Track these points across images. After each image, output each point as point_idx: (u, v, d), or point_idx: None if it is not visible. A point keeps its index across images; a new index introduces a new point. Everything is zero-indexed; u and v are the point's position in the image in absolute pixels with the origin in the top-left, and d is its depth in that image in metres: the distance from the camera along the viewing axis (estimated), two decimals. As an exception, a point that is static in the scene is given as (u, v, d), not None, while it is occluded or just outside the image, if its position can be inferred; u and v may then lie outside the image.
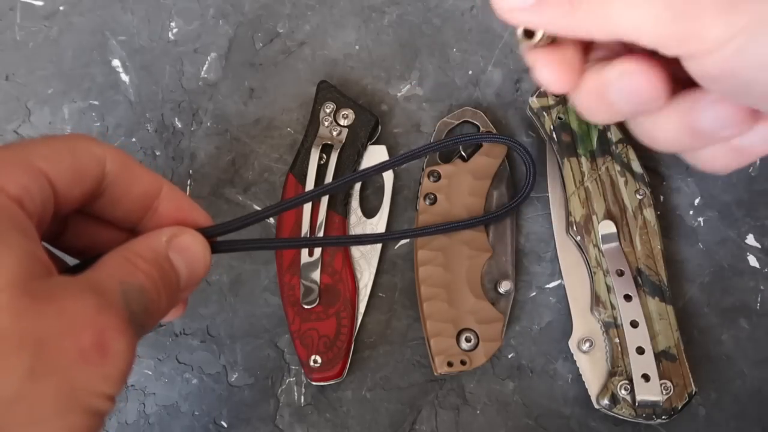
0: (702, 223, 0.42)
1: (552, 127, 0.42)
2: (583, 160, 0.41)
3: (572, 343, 0.40)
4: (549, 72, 0.23)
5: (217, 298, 0.42)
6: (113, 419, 0.41)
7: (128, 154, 0.26)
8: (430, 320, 0.40)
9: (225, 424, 0.40)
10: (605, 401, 0.38)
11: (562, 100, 0.42)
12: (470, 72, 0.45)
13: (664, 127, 0.23)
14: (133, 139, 0.45)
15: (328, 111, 0.42)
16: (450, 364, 0.39)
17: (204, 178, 0.44)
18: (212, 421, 0.40)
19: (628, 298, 0.39)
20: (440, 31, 0.46)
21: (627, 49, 0.23)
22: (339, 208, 0.42)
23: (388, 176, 0.43)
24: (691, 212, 0.43)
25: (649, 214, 0.40)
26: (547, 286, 0.42)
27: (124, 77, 0.46)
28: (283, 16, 0.47)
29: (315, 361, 0.39)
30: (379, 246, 0.42)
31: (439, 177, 0.42)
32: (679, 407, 0.37)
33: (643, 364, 0.38)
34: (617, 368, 0.38)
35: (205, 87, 0.45)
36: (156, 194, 0.27)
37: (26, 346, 0.19)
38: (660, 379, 0.37)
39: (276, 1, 0.47)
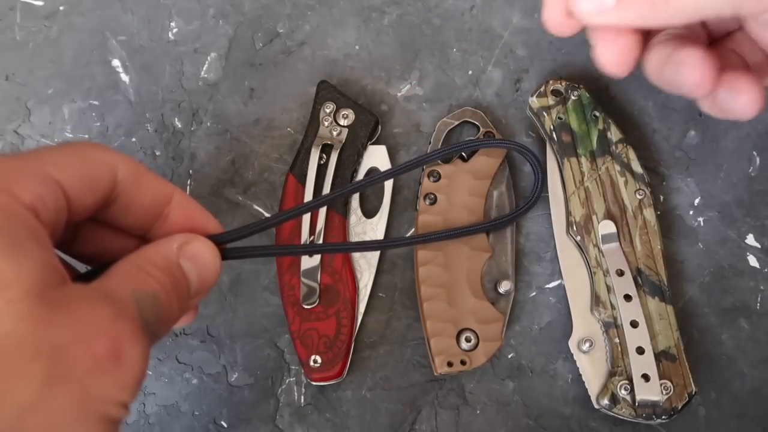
0: (702, 223, 0.42)
1: (552, 127, 0.42)
2: (583, 160, 0.41)
3: (572, 343, 0.40)
4: (611, 54, 0.25)
5: (217, 298, 0.42)
6: (113, 419, 0.41)
7: (139, 162, 0.26)
8: (430, 320, 0.40)
9: (225, 424, 0.40)
10: (605, 401, 0.38)
11: (562, 100, 0.42)
12: (470, 72, 0.45)
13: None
14: (133, 139, 0.45)
15: (328, 111, 0.42)
16: (450, 364, 0.39)
17: (204, 178, 0.44)
18: (212, 421, 0.40)
19: (628, 298, 0.39)
20: (440, 31, 0.46)
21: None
22: (339, 209, 0.42)
23: (388, 176, 0.43)
24: (691, 212, 0.43)
25: (649, 214, 0.40)
26: (547, 286, 0.42)
27: (124, 77, 0.46)
28: (283, 16, 0.47)
29: (315, 361, 0.39)
30: (379, 246, 0.42)
31: (439, 177, 0.42)
32: (679, 407, 0.37)
33: (643, 364, 0.38)
34: (617, 368, 0.38)
35: (205, 87, 0.45)
36: (167, 201, 0.27)
37: (43, 354, 0.19)
38: (660, 379, 0.37)
39: (276, 1, 0.47)
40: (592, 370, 0.39)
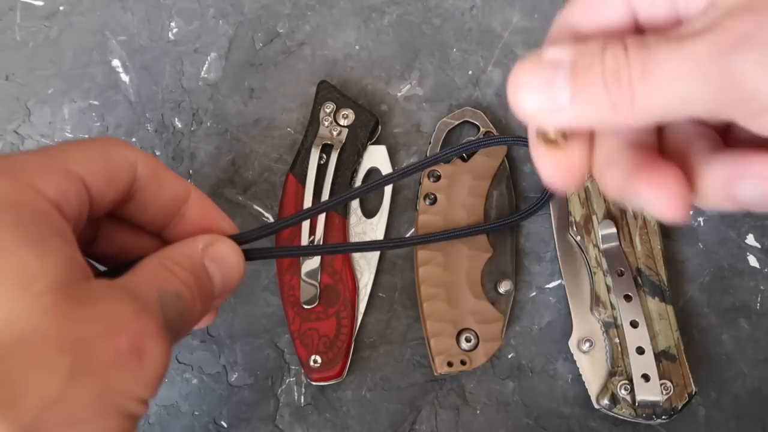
0: (702, 223, 0.42)
1: (552, 127, 0.42)
2: (583, 160, 0.41)
3: (572, 343, 0.40)
4: (556, 172, 0.21)
5: (217, 298, 0.42)
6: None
7: (158, 159, 0.26)
8: (430, 320, 0.40)
9: (225, 424, 0.40)
10: (605, 401, 0.38)
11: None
12: (470, 72, 0.45)
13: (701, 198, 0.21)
14: (133, 139, 0.45)
15: (328, 111, 0.42)
16: (450, 364, 0.39)
17: (204, 178, 0.44)
18: (212, 421, 0.40)
19: (628, 298, 0.39)
20: (440, 31, 0.46)
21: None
22: (339, 209, 0.42)
23: (388, 176, 0.43)
24: (691, 212, 0.43)
25: (649, 214, 0.40)
26: (547, 286, 0.42)
27: (124, 77, 0.46)
28: (283, 16, 0.47)
29: (315, 361, 0.39)
30: (379, 246, 0.42)
31: (439, 177, 0.42)
32: (679, 407, 0.37)
33: (643, 364, 0.38)
34: (617, 368, 0.38)
35: (205, 87, 0.45)
36: (184, 200, 0.27)
37: (67, 348, 0.19)
38: (660, 379, 0.37)
39: (276, 1, 0.47)
40: (592, 370, 0.39)
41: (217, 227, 0.28)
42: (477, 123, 0.43)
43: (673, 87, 0.18)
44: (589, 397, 0.39)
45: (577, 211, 0.41)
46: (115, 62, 0.46)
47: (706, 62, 0.17)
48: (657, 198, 0.20)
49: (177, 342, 0.23)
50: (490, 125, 0.43)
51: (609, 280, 0.39)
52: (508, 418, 0.40)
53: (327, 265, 0.41)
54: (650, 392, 0.37)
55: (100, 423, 0.19)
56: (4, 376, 0.18)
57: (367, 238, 0.42)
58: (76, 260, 0.21)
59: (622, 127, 0.21)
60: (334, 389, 0.41)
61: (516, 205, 0.42)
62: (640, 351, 0.38)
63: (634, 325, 0.38)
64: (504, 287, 0.40)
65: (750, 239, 0.42)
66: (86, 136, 0.45)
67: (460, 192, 0.42)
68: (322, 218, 0.41)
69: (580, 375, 0.39)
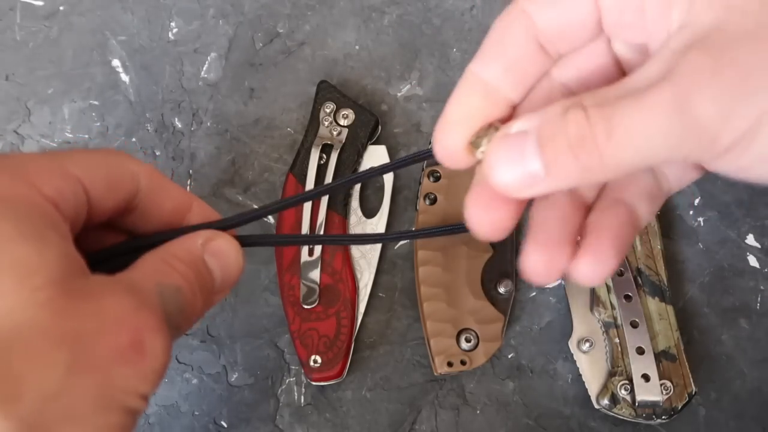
0: (702, 223, 0.42)
1: (552, 127, 0.42)
2: (583, 160, 0.41)
3: (572, 343, 0.40)
4: (488, 222, 0.23)
5: (217, 298, 0.42)
6: (113, 419, 0.41)
7: (160, 171, 0.26)
8: (430, 320, 0.40)
9: (225, 424, 0.40)
10: (605, 401, 0.38)
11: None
12: (470, 72, 0.45)
13: None
14: (133, 139, 0.45)
15: (328, 111, 0.42)
16: (450, 364, 0.39)
17: (204, 178, 0.44)
18: (212, 421, 0.40)
19: (628, 298, 0.39)
20: (440, 31, 0.46)
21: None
22: (339, 209, 0.42)
23: (388, 176, 0.43)
24: (691, 212, 0.43)
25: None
26: (547, 286, 0.42)
27: (124, 77, 0.46)
28: (283, 16, 0.47)
29: (315, 361, 0.39)
30: (379, 246, 0.42)
31: (439, 177, 0.42)
32: (679, 407, 0.37)
33: (643, 364, 0.38)
34: (617, 368, 0.38)
35: (205, 87, 0.45)
36: (186, 211, 0.27)
37: (66, 343, 0.19)
38: (660, 379, 0.37)
39: (276, 1, 0.47)
40: (591, 370, 0.39)
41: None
42: (477, 123, 0.43)
43: (639, 142, 0.18)
44: (589, 397, 0.39)
45: (577, 211, 0.41)
46: (115, 62, 0.46)
47: (667, 114, 0.18)
48: (536, 264, 0.24)
49: (178, 337, 0.23)
50: (490, 125, 0.43)
51: (609, 280, 0.39)
52: (508, 418, 0.40)
53: (327, 265, 0.41)
54: (650, 392, 0.37)
55: (100, 418, 0.19)
56: (3, 370, 0.18)
57: (367, 238, 0.42)
58: (73, 256, 0.21)
59: (595, 183, 0.22)
60: (334, 389, 0.41)
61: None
62: (640, 351, 0.38)
63: (634, 325, 0.38)
64: (504, 287, 0.40)
65: (750, 239, 0.42)
66: (86, 136, 0.45)
67: (460, 192, 0.42)
68: (322, 217, 0.41)
69: (580, 375, 0.39)
